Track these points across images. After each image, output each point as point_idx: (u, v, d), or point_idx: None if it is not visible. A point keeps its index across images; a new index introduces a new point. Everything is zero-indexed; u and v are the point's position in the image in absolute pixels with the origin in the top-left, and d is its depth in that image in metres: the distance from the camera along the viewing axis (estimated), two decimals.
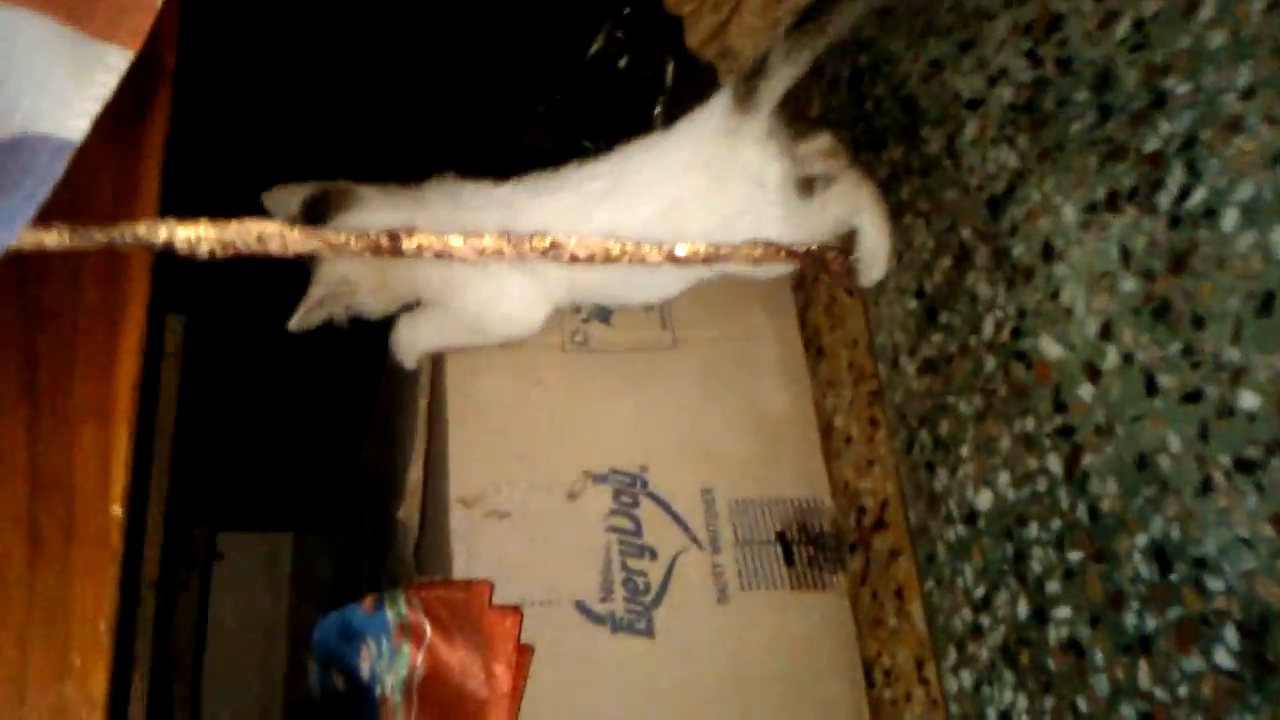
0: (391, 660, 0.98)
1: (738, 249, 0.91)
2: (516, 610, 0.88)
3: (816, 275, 1.07)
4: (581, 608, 0.98)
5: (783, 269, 1.01)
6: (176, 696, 1.79)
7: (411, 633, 0.94)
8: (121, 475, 0.62)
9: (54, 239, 0.64)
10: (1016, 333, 0.84)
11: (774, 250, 0.93)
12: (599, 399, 1.07)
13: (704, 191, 0.94)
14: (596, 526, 1.01)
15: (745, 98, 0.94)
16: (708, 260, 0.90)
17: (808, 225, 0.95)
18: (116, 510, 0.61)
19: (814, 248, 0.94)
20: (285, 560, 2.08)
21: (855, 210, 0.97)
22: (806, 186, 0.95)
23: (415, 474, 1.04)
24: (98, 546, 0.61)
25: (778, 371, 1.11)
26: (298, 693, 1.86)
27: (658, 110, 1.50)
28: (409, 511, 1.03)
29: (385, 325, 1.17)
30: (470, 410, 1.05)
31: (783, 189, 0.94)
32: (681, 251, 0.87)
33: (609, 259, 0.84)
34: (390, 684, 0.98)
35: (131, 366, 0.65)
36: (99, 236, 0.66)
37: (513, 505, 1.01)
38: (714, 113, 0.96)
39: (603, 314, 1.10)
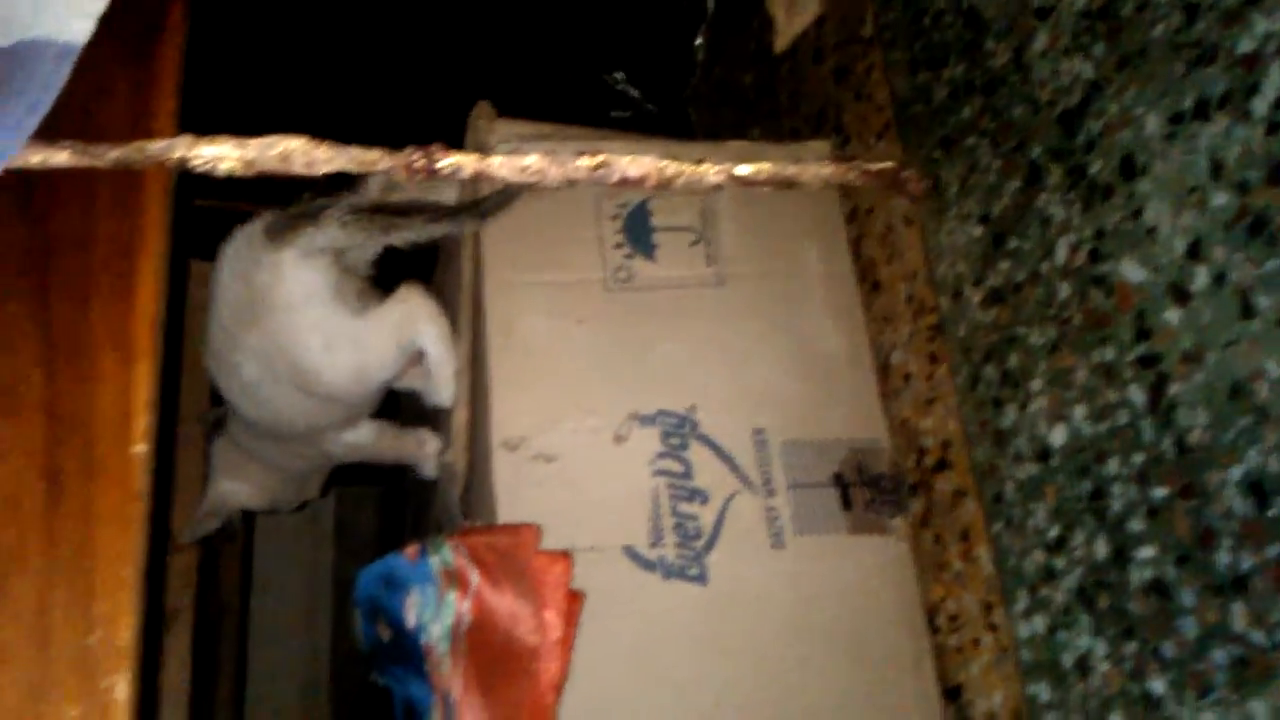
0: (437, 609, 0.95)
1: (805, 169, 0.85)
2: (566, 555, 0.85)
3: (889, 196, 1.01)
4: (631, 554, 0.94)
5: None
6: (222, 651, 1.79)
7: (457, 580, 0.91)
8: (144, 413, 0.59)
9: (64, 157, 0.60)
10: (1094, 256, 0.78)
11: (844, 169, 0.87)
12: (644, 338, 1.02)
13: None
14: (644, 470, 0.97)
15: (279, 233, 0.97)
16: (772, 181, 0.84)
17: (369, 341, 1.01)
18: (139, 449, 0.58)
19: (888, 165, 0.89)
20: (327, 514, 2.07)
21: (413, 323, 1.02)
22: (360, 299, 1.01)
23: (461, 416, 1.00)
24: (120, 487, 0.57)
25: (830, 308, 1.05)
26: (345, 645, 1.85)
27: (699, 40, 1.44)
28: (455, 455, 0.99)
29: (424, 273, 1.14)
30: (512, 352, 1.00)
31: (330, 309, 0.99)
32: (744, 171, 0.82)
33: (663, 181, 0.79)
34: (437, 633, 0.95)
35: (151, 299, 0.61)
36: (112, 155, 0.62)
37: (558, 449, 0.97)
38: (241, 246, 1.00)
39: (647, 249, 1.05)
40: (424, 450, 1.17)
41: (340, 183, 0.96)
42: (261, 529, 1.91)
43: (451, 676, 0.92)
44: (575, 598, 0.85)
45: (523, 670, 0.81)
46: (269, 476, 1.19)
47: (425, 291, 1.06)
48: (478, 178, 0.74)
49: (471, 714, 0.86)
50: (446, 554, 0.92)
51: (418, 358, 1.05)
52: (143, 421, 0.58)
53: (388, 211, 0.98)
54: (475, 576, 0.88)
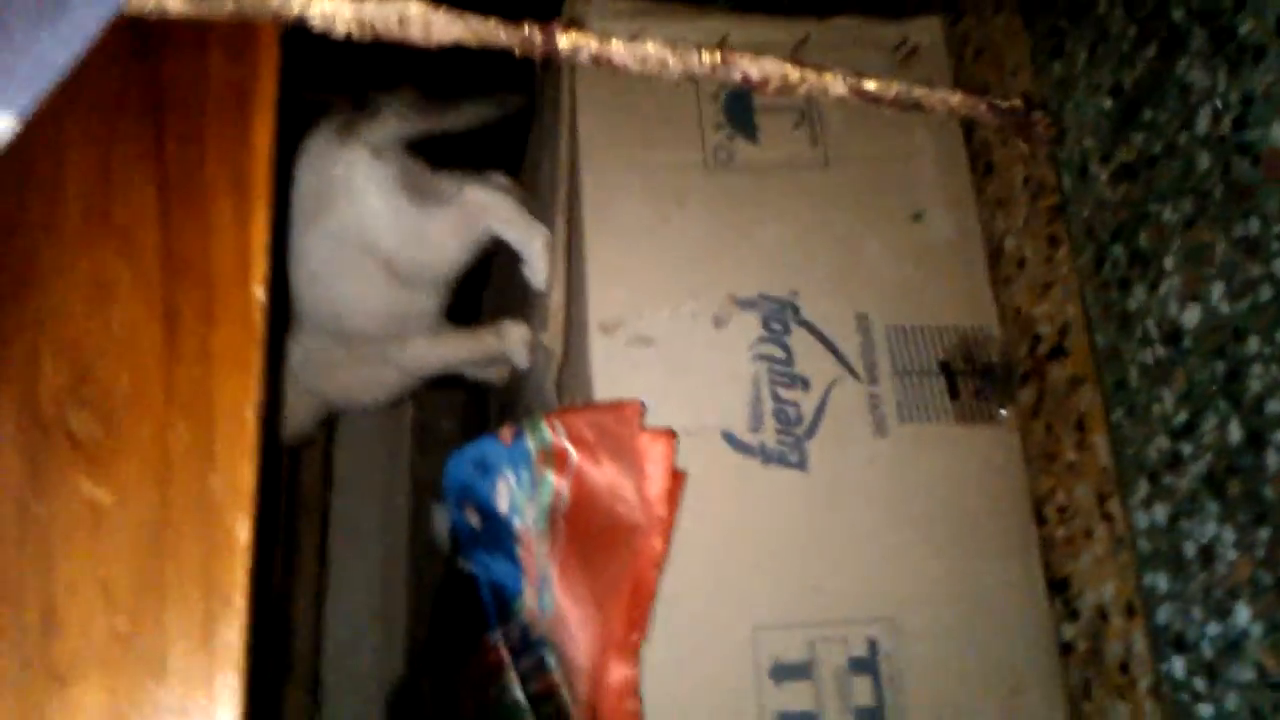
0: (533, 490, 0.94)
1: (931, 94, 0.81)
2: (669, 433, 0.83)
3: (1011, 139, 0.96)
4: (729, 438, 0.92)
5: None
6: (303, 548, 1.82)
7: (555, 459, 0.90)
8: (262, 257, 0.57)
9: (177, 5, 0.59)
10: (1240, 123, 0.73)
11: (971, 101, 0.83)
12: (745, 221, 0.99)
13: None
14: (744, 354, 0.95)
15: (348, 128, 1.03)
16: (897, 101, 0.80)
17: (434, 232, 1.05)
18: (258, 292, 0.57)
19: (1017, 103, 0.85)
20: (407, 417, 2.08)
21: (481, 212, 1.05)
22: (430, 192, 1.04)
23: (557, 297, 0.98)
24: (240, 329, 0.56)
25: (940, 191, 1.01)
26: (422, 543, 1.87)
27: None
28: (552, 336, 0.97)
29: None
30: (609, 233, 0.98)
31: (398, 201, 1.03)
32: (870, 87, 0.78)
33: (785, 86, 0.75)
34: (532, 515, 0.95)
35: (266, 142, 0.59)
36: (229, 7, 0.60)
37: (655, 332, 0.95)
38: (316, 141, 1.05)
39: (749, 130, 1.01)
40: (509, 340, 1.16)
41: None
42: (341, 430, 1.93)
43: (549, 556, 0.92)
44: (677, 477, 0.84)
45: (625, 545, 0.80)
46: (346, 379, 1.20)
47: (490, 182, 1.09)
48: (596, 61, 0.71)
49: (571, 591, 0.86)
50: (544, 434, 0.90)
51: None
52: (260, 265, 0.57)
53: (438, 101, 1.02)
54: (575, 455, 0.87)
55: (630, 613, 0.80)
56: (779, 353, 0.95)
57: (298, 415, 1.20)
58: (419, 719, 1.44)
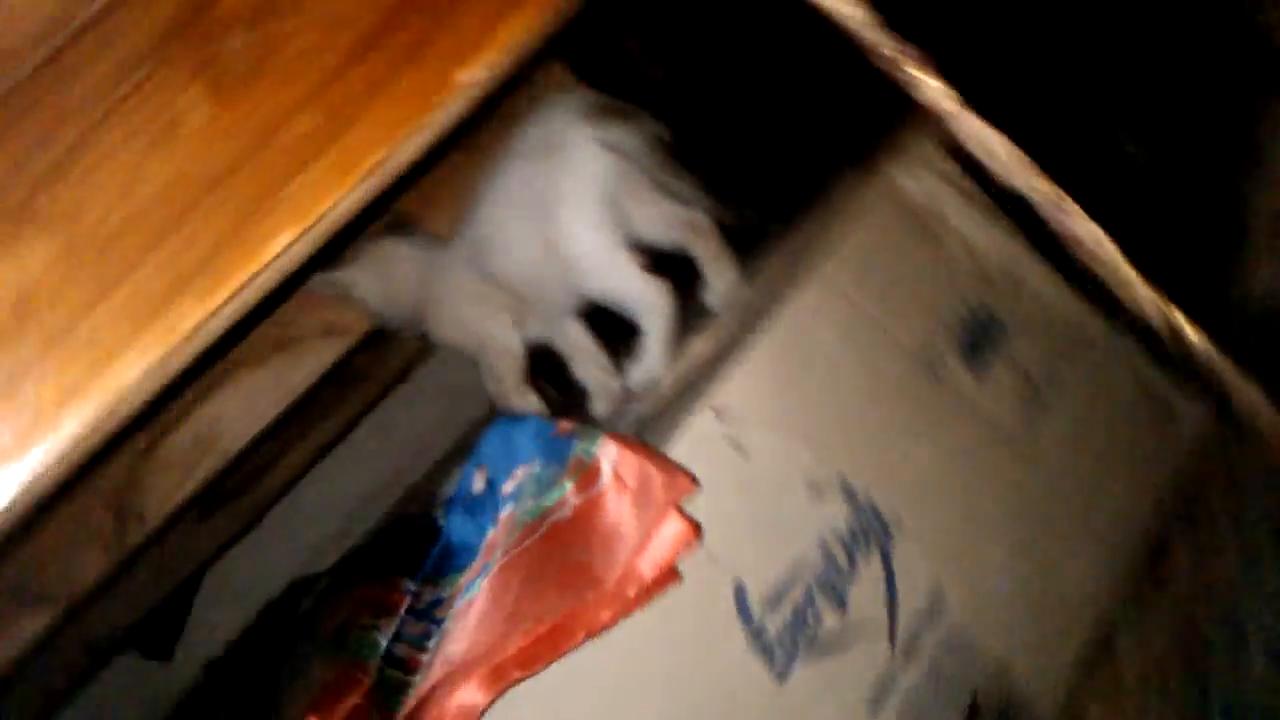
0: (544, 489, 0.87)
1: None
2: (696, 529, 0.75)
3: None
4: (739, 593, 0.83)
5: None
6: (342, 408, 1.79)
7: (583, 475, 0.83)
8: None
9: None
10: None
11: None
12: (907, 428, 0.92)
13: None
14: (812, 535, 0.86)
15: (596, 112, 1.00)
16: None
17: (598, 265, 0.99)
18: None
19: None
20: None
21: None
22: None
23: (700, 347, 0.93)
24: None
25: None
26: (424, 488, 1.81)
27: None
28: (667, 374, 0.91)
29: None
30: (786, 343, 0.92)
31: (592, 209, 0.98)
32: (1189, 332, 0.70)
33: (1092, 255, 0.68)
34: (525, 508, 0.88)
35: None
36: None
37: (756, 450, 0.88)
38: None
39: (979, 364, 0.94)
40: (605, 384, 1.10)
41: None
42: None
43: (506, 550, 0.84)
44: (669, 575, 0.75)
45: (578, 591, 0.72)
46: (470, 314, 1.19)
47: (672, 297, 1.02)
48: (937, 116, 0.66)
49: (498, 591, 0.78)
50: (592, 446, 0.84)
51: None
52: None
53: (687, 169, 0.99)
54: (604, 483, 0.80)
55: (531, 650, 0.71)
56: (843, 561, 0.86)
57: (407, 308, 1.19)
58: (288, 619, 1.37)
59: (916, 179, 1.01)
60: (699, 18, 1.26)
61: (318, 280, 1.16)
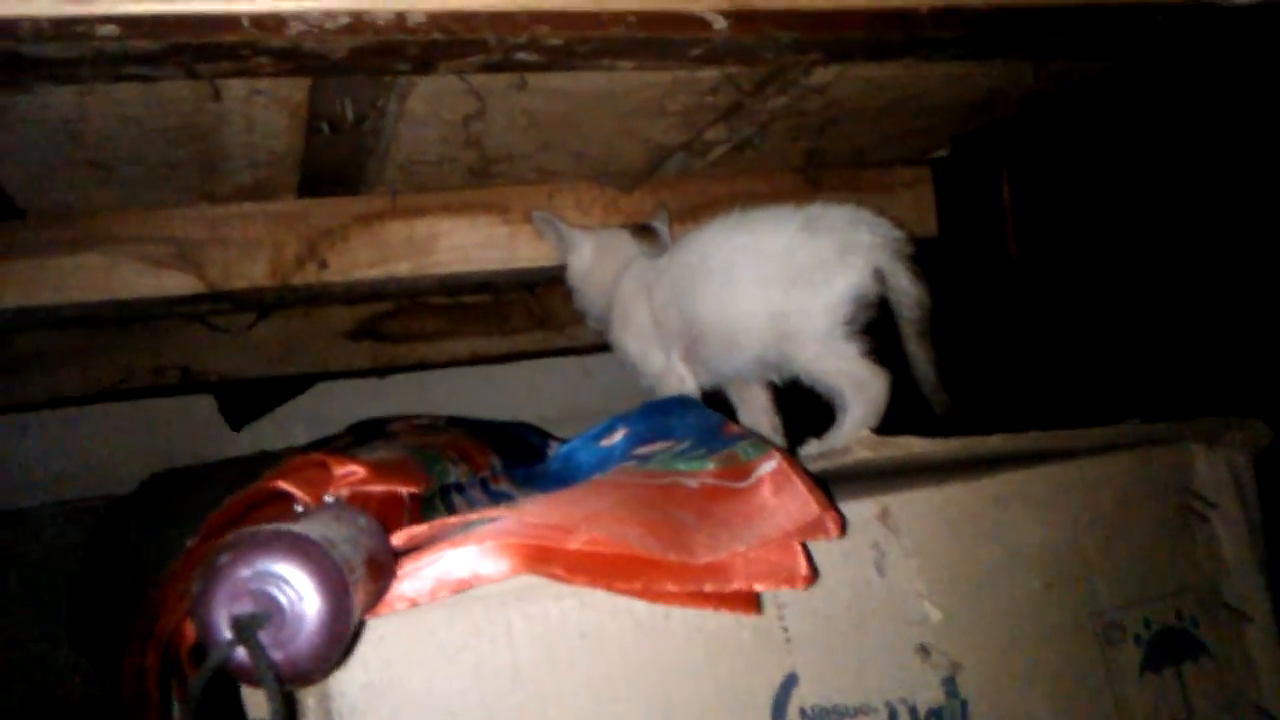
0: (683, 460, 0.81)
1: None
2: (807, 578, 0.67)
3: None
4: (786, 686, 0.74)
5: None
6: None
7: (731, 467, 0.77)
8: None
9: None
10: None
11: None
12: None
13: None
14: (892, 689, 0.76)
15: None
16: None
17: None
18: None
19: None
20: None
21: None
22: None
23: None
24: None
25: None
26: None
27: None
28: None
29: None
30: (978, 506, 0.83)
31: None
32: None
33: None
34: (680, 466, 0.81)
35: None
36: None
37: (892, 576, 0.79)
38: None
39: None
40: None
41: None
42: None
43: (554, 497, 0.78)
44: (752, 604, 0.67)
45: (660, 543, 0.65)
46: None
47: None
48: None
49: (586, 492, 0.72)
50: (756, 451, 0.77)
51: None
52: None
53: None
54: (747, 481, 0.73)
55: (586, 558, 0.64)
56: None
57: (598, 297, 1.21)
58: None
59: (1209, 465, 0.91)
60: (1094, 194, 1.21)
61: (539, 216, 1.18)
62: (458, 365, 1.82)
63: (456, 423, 1.21)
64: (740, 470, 0.75)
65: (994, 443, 0.87)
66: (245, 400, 1.86)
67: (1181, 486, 0.91)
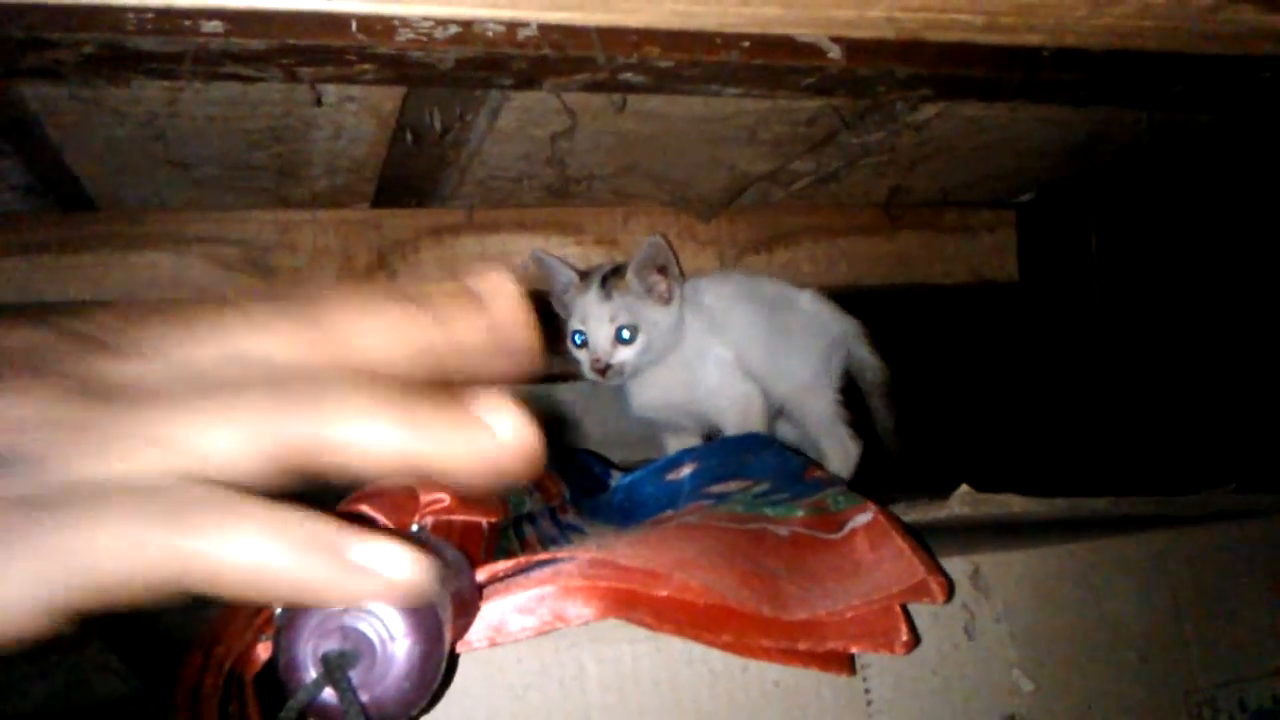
0: (768, 504, 0.78)
1: None
2: (908, 643, 0.63)
3: None
4: None
5: None
6: None
7: (821, 517, 0.73)
8: None
9: None
10: None
11: None
12: None
13: None
14: None
15: None
16: None
17: None
18: None
19: None
20: None
21: None
22: None
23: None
24: None
25: None
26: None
27: None
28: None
29: None
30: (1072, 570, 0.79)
31: None
32: None
33: None
34: (735, 504, 0.78)
35: None
36: None
37: (981, 639, 0.74)
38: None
39: None
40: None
41: None
42: None
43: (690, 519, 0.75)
44: (846, 665, 0.64)
45: (754, 595, 0.61)
46: None
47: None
48: None
49: (669, 536, 0.68)
50: (847, 500, 0.74)
51: None
52: None
53: None
54: (841, 534, 0.70)
55: (673, 605, 0.60)
56: None
57: None
58: None
59: None
60: (1189, 250, 1.16)
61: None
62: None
63: None
64: (831, 521, 0.72)
65: (1094, 504, 0.83)
66: None
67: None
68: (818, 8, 0.43)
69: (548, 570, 0.62)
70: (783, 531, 0.71)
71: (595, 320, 1.03)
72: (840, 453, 1.14)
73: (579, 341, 1.06)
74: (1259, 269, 1.10)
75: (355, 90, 0.79)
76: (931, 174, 1.14)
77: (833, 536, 0.70)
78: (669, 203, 1.19)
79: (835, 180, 1.13)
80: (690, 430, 1.15)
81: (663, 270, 1.03)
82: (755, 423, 1.08)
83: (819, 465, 0.88)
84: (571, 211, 1.18)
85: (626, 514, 0.94)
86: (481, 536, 0.71)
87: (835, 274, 1.26)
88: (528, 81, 0.71)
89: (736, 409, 1.08)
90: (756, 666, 0.69)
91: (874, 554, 0.67)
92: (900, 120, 0.90)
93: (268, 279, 1.11)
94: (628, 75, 0.71)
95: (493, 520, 0.72)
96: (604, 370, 1.04)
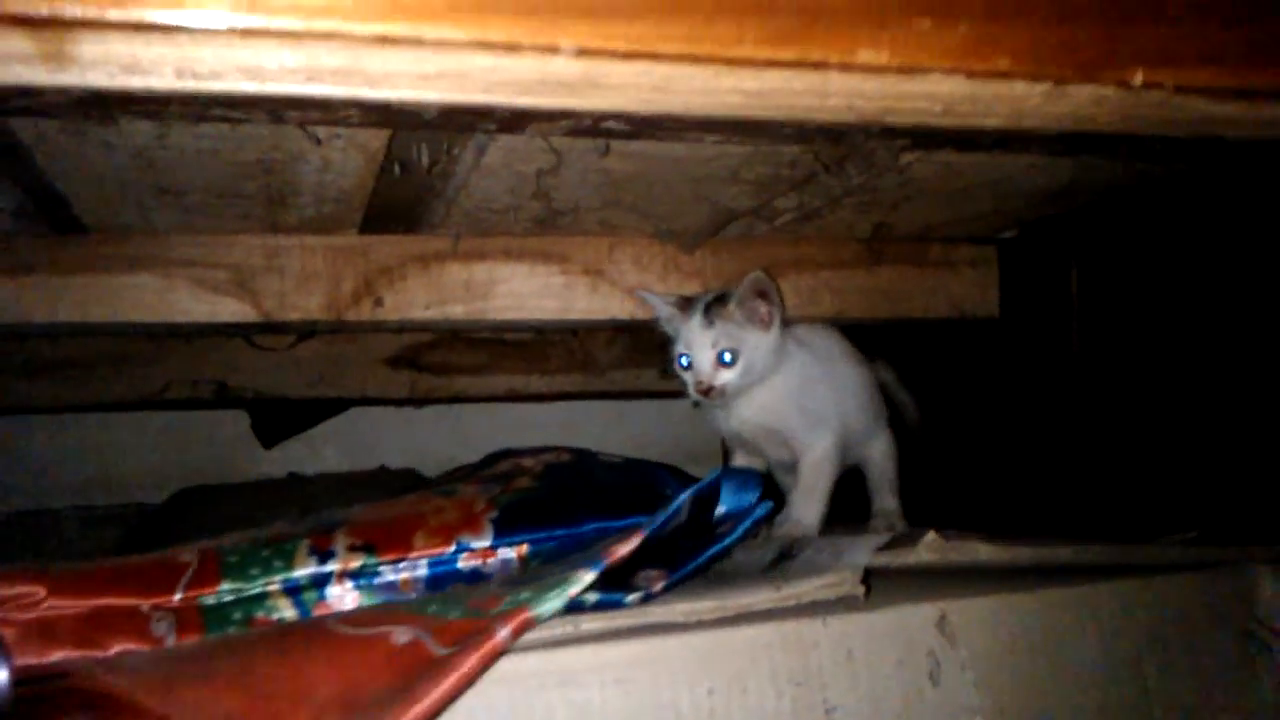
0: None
1: None
2: None
3: None
4: None
5: None
6: None
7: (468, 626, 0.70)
8: None
9: None
10: None
11: None
12: None
13: None
14: None
15: None
16: None
17: None
18: None
19: None
20: None
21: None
22: None
23: None
24: None
25: None
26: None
27: None
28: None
29: None
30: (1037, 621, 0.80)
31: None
32: None
33: None
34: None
35: None
36: None
37: (946, 688, 0.76)
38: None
39: None
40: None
41: None
42: None
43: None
44: None
45: None
46: None
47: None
48: None
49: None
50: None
51: None
52: None
53: None
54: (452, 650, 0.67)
55: None
56: None
57: None
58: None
59: (1275, 591, 0.88)
60: (1170, 293, 1.18)
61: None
62: (494, 401, 1.80)
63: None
64: (472, 627, 0.67)
65: (1059, 552, 0.85)
66: (279, 418, 1.85)
67: (1245, 612, 0.88)
68: (779, 96, 0.44)
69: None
70: (403, 639, 0.67)
71: (699, 345, 1.08)
72: (894, 503, 1.21)
73: (684, 364, 1.10)
74: (1236, 313, 1.12)
75: (342, 129, 0.81)
76: (914, 212, 1.15)
77: (442, 652, 0.64)
78: (653, 234, 1.21)
79: (819, 216, 1.15)
80: (765, 458, 1.21)
81: (764, 296, 1.07)
82: (828, 470, 1.13)
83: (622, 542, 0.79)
84: (557, 241, 1.19)
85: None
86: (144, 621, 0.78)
87: (818, 306, 1.27)
88: (510, 128, 0.72)
89: (816, 451, 1.13)
90: (724, 711, 0.71)
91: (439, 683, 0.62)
92: (880, 165, 0.92)
93: (255, 302, 1.12)
94: (609, 124, 0.72)
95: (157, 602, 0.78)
96: (707, 390, 1.08)
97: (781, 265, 1.25)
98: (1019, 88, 0.46)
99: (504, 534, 0.92)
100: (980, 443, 1.34)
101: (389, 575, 0.88)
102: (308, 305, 1.13)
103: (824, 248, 1.26)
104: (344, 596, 0.86)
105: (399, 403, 1.81)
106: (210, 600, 0.84)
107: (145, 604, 0.81)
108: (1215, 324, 1.14)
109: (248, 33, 0.36)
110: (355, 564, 0.87)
